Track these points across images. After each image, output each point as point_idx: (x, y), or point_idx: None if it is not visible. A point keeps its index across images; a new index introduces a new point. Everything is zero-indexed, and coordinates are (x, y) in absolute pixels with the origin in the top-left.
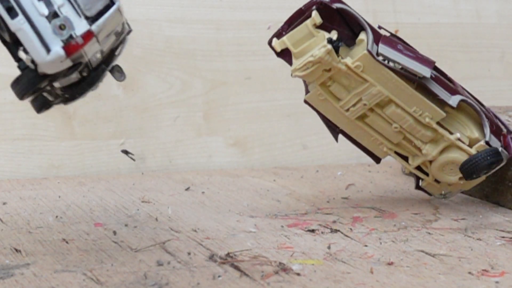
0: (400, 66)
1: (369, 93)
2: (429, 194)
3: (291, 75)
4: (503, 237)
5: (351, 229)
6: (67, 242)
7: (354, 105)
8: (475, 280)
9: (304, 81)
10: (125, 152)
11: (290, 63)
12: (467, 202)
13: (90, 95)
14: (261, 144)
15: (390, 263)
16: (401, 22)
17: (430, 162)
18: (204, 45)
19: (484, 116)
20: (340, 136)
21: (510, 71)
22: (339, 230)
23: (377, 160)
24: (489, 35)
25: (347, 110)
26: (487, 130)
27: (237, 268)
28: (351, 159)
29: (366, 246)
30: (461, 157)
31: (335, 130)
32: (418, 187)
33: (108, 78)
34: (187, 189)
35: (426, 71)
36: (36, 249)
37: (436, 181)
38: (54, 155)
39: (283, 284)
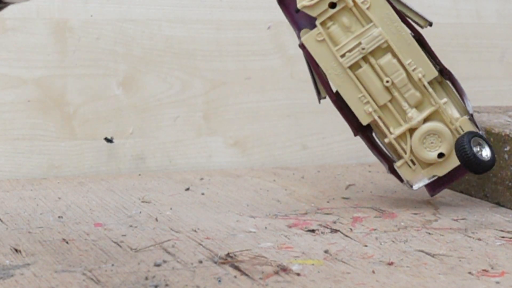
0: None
1: (370, 36)
2: (400, 180)
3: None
4: (503, 237)
5: (351, 229)
6: (67, 242)
7: (351, 50)
8: (475, 280)
9: (297, 29)
10: (108, 140)
11: (289, 15)
12: (467, 202)
13: (90, 95)
14: (261, 144)
15: (390, 263)
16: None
17: (411, 134)
18: (204, 45)
19: (465, 92)
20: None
21: (510, 71)
22: (339, 230)
23: (356, 129)
24: (489, 35)
25: (343, 55)
26: (470, 106)
27: (237, 268)
28: (351, 159)
29: (366, 246)
30: (444, 129)
31: (319, 93)
32: (391, 170)
33: (108, 78)
34: (187, 189)
35: (431, 19)
36: (36, 249)
37: (412, 162)
38: (54, 155)
39: (283, 284)
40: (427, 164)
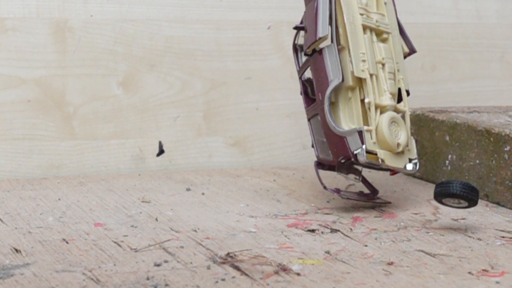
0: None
1: (382, 20)
2: (351, 152)
3: None
4: (503, 237)
5: (351, 229)
6: (67, 242)
7: (369, 17)
8: (475, 280)
9: None
10: (161, 149)
11: None
12: None
13: (90, 95)
14: (261, 144)
15: (390, 263)
16: (401, 22)
17: (381, 112)
18: (204, 45)
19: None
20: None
21: (510, 71)
22: (339, 230)
23: (308, 102)
24: (489, 35)
25: (362, 14)
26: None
27: (237, 268)
28: None
29: (366, 246)
30: (404, 125)
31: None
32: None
33: (108, 78)
34: (188, 189)
35: (416, 48)
36: (36, 249)
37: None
38: (54, 155)
39: (283, 284)
40: (385, 147)
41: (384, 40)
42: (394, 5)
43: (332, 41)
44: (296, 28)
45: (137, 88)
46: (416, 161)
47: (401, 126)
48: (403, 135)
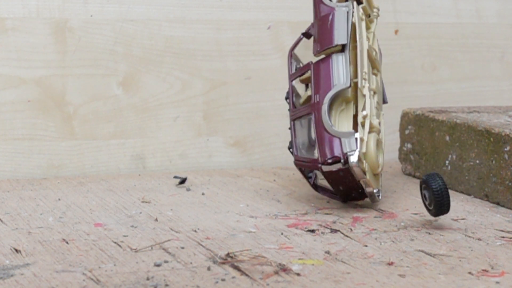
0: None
1: (377, 56)
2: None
3: None
4: (503, 237)
5: (351, 229)
6: (67, 242)
7: (371, 47)
8: (475, 280)
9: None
10: (181, 181)
11: None
12: (467, 202)
13: (90, 95)
14: (261, 144)
15: (390, 263)
16: (401, 22)
17: (369, 131)
18: (204, 45)
19: None
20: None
21: (510, 71)
22: (339, 230)
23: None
24: (489, 35)
25: (368, 39)
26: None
27: (237, 268)
28: None
29: (366, 246)
30: (382, 149)
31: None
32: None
33: (108, 78)
34: (188, 189)
35: (387, 101)
36: (36, 249)
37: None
38: (54, 155)
39: (283, 284)
40: (367, 163)
41: (376, 74)
42: (381, 55)
43: (344, 51)
44: (305, 34)
45: (137, 88)
46: (379, 193)
47: (380, 151)
48: (381, 159)
